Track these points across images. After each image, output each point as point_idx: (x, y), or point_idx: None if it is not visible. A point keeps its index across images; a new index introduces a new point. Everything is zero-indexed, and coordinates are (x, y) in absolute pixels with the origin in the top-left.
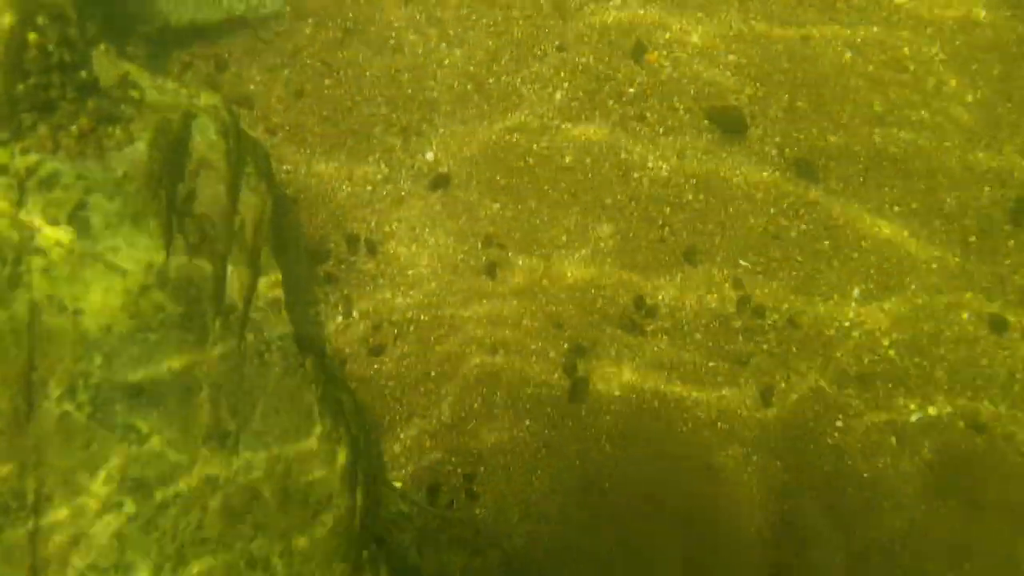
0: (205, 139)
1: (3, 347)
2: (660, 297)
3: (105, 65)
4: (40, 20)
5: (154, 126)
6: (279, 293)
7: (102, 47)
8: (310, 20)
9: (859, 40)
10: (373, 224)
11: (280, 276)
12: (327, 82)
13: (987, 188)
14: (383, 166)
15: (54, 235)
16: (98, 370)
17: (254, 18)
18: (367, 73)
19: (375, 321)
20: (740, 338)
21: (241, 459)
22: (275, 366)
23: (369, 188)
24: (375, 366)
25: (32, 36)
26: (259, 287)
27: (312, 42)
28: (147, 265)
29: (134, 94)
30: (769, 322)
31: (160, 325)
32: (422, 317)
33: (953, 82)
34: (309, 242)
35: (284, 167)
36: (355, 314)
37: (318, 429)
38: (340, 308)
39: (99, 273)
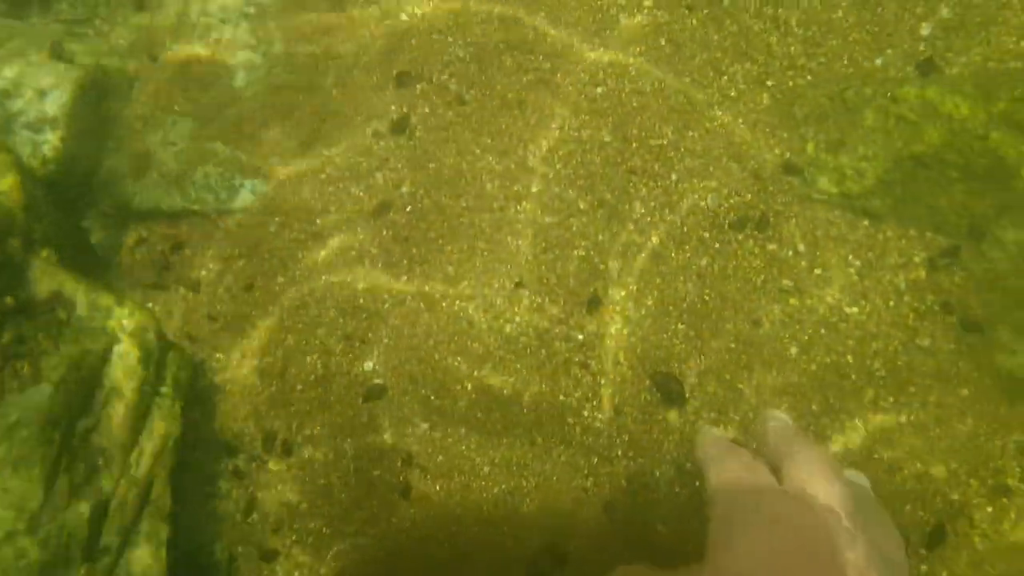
0: (123, 366)
1: None
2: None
3: (40, 276)
4: None
5: (67, 363)
6: (163, 529)
7: (44, 254)
8: (277, 219)
9: (806, 338)
10: (294, 426)
11: (170, 504)
12: (280, 279)
13: (908, 506)
14: (319, 367)
15: None
16: None
17: (220, 211)
18: (322, 278)
19: (275, 525)
20: None
21: None
22: None
23: (299, 388)
24: (264, 571)
25: None
26: (143, 522)
27: (274, 239)
28: (18, 511)
29: (61, 315)
30: None
31: (18, 572)
32: (324, 529)
33: (891, 399)
34: (224, 433)
35: (216, 355)
36: (255, 515)
37: None
38: (242, 505)
39: None
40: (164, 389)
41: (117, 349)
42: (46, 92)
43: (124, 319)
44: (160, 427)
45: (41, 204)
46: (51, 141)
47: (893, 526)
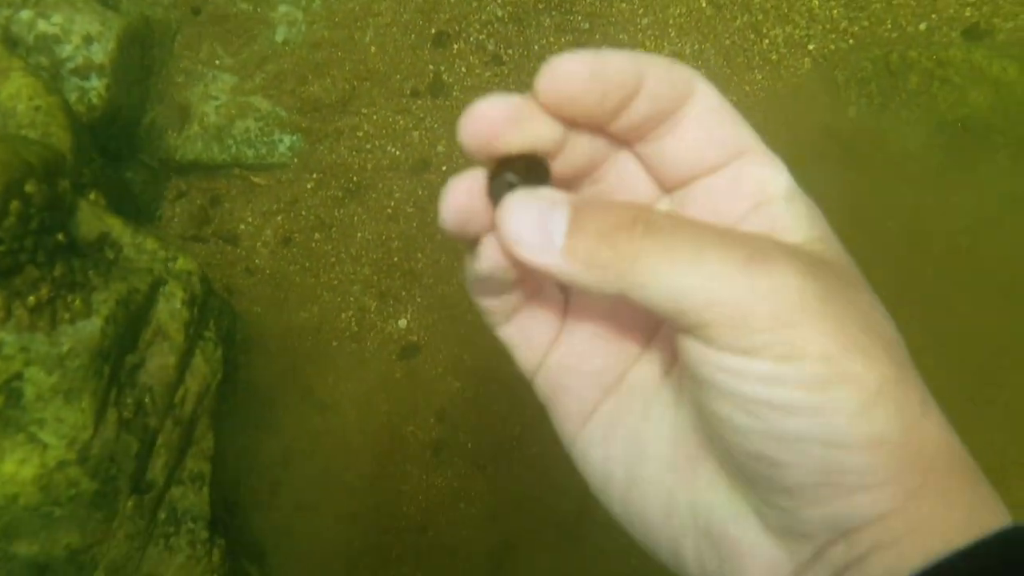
0: (168, 308)
1: None
2: None
3: (89, 218)
4: (28, 187)
5: (116, 298)
6: (206, 468)
7: (91, 196)
8: (314, 175)
9: None
10: (330, 381)
11: (212, 446)
12: (317, 236)
13: None
14: (353, 325)
15: None
16: None
17: (258, 166)
18: (358, 235)
19: (312, 477)
20: None
21: None
22: (180, 552)
23: (335, 344)
24: (297, 521)
25: (15, 205)
26: (187, 460)
27: (312, 196)
28: (71, 441)
29: (109, 255)
30: None
31: (69, 501)
32: (356, 484)
33: None
34: (261, 388)
35: (255, 308)
36: (292, 467)
37: None
38: (278, 458)
39: (19, 444)
40: (207, 333)
41: (163, 290)
42: (93, 39)
43: (169, 263)
44: (203, 370)
45: (89, 149)
46: (98, 88)
47: None
